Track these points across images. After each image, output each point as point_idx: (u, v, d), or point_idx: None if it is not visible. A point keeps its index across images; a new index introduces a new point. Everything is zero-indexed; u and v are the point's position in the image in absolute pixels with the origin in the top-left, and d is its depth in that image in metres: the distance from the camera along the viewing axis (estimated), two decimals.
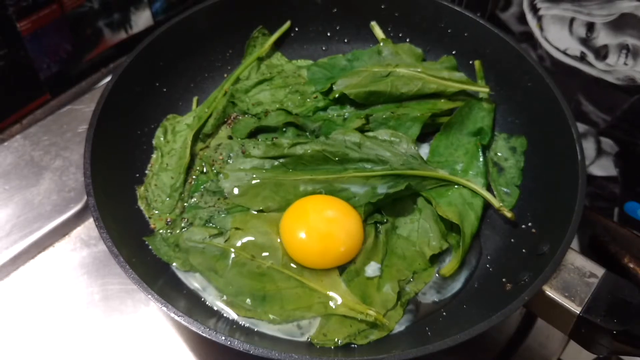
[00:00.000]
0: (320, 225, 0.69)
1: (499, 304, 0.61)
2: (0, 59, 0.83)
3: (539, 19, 0.83)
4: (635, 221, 0.85)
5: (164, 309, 0.58)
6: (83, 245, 0.79)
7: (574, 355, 0.76)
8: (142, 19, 1.01)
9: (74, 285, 0.75)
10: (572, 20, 0.79)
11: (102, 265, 0.76)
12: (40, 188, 0.81)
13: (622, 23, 0.74)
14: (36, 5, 0.84)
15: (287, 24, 0.89)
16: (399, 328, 0.67)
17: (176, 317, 0.57)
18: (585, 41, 0.79)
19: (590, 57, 0.80)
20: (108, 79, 0.96)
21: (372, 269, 0.69)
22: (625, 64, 0.77)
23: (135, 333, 0.71)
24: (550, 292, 0.62)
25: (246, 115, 0.83)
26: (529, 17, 0.84)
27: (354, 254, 0.69)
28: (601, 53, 0.78)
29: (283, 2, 0.89)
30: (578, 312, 0.61)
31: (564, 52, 0.82)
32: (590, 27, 0.78)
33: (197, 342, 0.71)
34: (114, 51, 1.00)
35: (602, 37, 0.77)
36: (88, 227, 0.79)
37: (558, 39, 0.82)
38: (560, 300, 0.62)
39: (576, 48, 0.81)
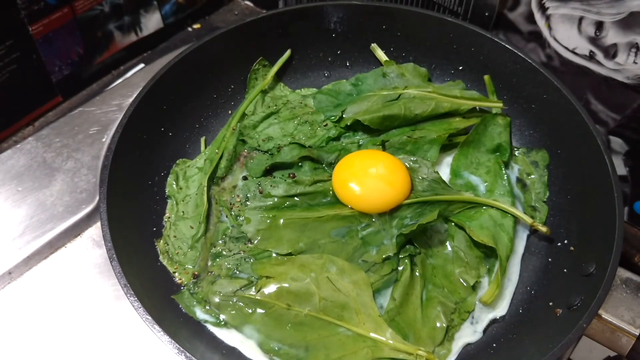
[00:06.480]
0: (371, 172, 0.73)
1: (550, 331, 0.58)
2: (12, 62, 0.84)
3: (548, 18, 0.82)
4: None
5: None
6: (95, 245, 0.79)
7: (584, 355, 0.75)
8: (152, 22, 1.02)
9: (87, 285, 0.75)
10: (580, 19, 0.79)
11: None
12: (53, 189, 0.82)
13: (631, 22, 0.74)
14: (48, 9, 0.85)
15: (288, 53, 0.87)
16: None
17: None
18: (594, 40, 0.79)
19: (600, 56, 0.80)
20: (109, 84, 0.98)
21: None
22: (634, 62, 0.76)
23: (149, 333, 0.71)
24: (606, 316, 0.59)
25: (258, 152, 0.80)
26: (538, 16, 0.83)
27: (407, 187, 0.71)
28: (610, 52, 0.78)
29: (281, 31, 0.86)
30: (637, 334, 0.58)
31: (573, 52, 0.82)
32: (599, 26, 0.77)
33: None
34: (124, 53, 1.01)
35: (611, 36, 0.77)
36: (99, 228, 0.79)
37: (567, 38, 0.82)
38: (617, 323, 0.59)
39: (585, 47, 0.80)
